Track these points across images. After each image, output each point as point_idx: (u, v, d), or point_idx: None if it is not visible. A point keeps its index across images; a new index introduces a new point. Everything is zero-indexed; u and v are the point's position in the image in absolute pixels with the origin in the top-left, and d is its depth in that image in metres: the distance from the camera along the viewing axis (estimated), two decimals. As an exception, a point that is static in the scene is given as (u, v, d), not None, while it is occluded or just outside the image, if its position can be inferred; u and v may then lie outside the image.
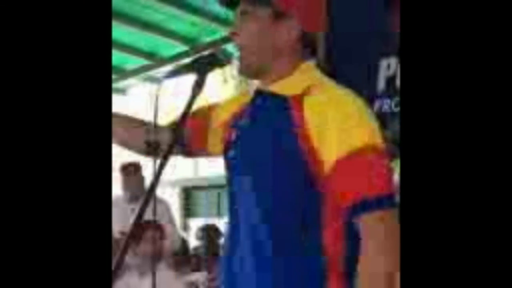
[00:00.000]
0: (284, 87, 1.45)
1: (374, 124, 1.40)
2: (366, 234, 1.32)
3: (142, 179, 4.28)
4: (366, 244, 1.32)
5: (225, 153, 1.56)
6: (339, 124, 1.35)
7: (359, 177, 1.34)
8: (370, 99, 4.66)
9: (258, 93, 1.52)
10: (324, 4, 1.54)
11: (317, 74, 1.49)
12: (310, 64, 1.50)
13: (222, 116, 1.62)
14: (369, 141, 1.34)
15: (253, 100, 1.52)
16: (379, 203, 1.33)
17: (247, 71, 1.51)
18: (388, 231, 1.31)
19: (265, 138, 1.43)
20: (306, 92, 1.41)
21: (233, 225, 1.50)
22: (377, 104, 4.62)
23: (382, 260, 1.30)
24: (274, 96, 1.46)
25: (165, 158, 1.32)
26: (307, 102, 1.39)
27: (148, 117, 1.61)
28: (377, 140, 1.37)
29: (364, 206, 1.33)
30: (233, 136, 1.53)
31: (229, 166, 1.55)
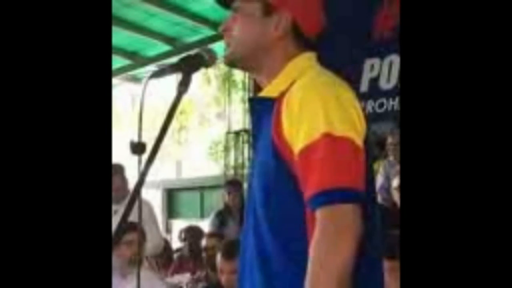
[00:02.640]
0: (271, 89, 1.43)
1: (342, 113, 1.28)
2: (316, 231, 1.23)
3: (125, 180, 4.24)
4: (312, 244, 1.23)
5: None
6: (297, 117, 1.28)
7: (311, 170, 1.25)
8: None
9: (251, 100, 1.53)
10: (320, 1, 1.52)
11: (306, 66, 1.43)
12: (304, 56, 1.46)
13: None
14: (324, 130, 1.24)
15: (250, 108, 1.53)
16: (329, 197, 1.22)
17: (234, 63, 1.52)
18: (337, 228, 1.21)
19: (261, 145, 1.41)
20: (288, 89, 1.37)
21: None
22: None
23: (327, 261, 1.20)
24: (264, 100, 1.44)
25: (150, 159, 1.30)
26: (284, 101, 1.34)
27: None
28: (336, 128, 1.25)
29: (313, 201, 1.24)
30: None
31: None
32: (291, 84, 1.37)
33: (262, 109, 1.43)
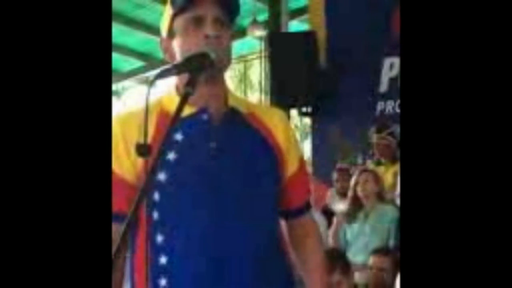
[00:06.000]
0: (236, 103, 1.55)
1: None
2: (311, 230, 1.66)
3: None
4: (311, 239, 1.64)
5: None
6: (290, 137, 1.59)
7: (305, 185, 1.66)
8: (373, 101, 4.62)
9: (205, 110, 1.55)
10: None
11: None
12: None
13: None
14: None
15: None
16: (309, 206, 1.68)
17: (218, 76, 1.49)
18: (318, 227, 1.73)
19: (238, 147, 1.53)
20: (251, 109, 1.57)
21: None
22: (380, 106, 4.55)
23: (322, 249, 1.70)
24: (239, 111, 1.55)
25: (155, 162, 1.25)
26: (266, 119, 1.56)
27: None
28: None
29: (306, 207, 1.65)
30: None
31: None
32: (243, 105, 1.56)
33: (237, 118, 1.51)
